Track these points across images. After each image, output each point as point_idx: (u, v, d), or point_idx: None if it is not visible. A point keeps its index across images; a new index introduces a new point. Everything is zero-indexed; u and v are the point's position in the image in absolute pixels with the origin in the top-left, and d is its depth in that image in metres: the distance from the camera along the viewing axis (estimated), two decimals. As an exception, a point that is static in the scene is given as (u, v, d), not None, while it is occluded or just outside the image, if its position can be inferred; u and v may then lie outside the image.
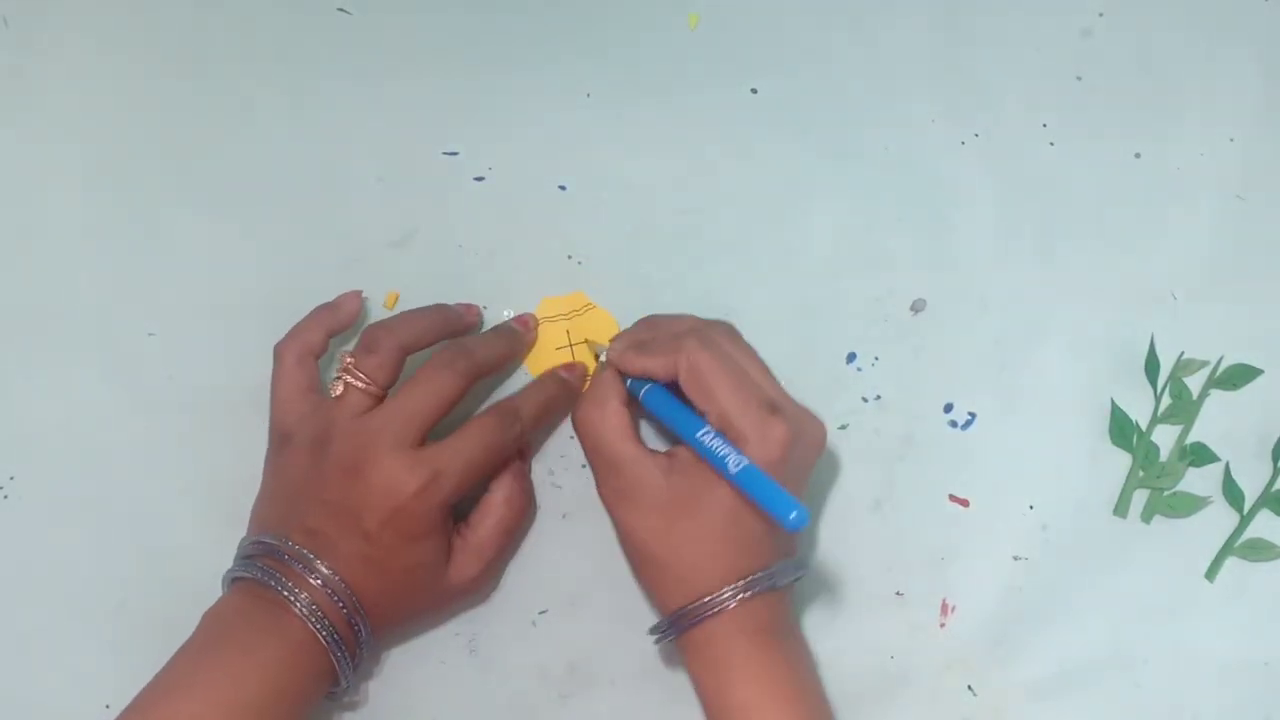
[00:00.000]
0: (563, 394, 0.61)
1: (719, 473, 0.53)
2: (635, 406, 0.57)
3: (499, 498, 0.58)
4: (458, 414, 0.58)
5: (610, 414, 0.56)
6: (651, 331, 0.59)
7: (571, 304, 0.64)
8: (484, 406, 0.62)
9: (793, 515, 0.50)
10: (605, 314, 0.64)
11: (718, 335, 0.57)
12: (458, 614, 0.61)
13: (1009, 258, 0.65)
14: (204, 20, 0.68)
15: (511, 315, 0.64)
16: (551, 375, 0.62)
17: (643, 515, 0.55)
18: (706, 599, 0.54)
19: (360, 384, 0.57)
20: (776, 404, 0.54)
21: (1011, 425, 0.63)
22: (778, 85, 0.67)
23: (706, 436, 0.53)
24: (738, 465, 0.52)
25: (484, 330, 0.63)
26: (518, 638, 0.61)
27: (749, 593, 0.53)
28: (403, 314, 0.60)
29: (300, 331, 0.59)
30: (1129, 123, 0.67)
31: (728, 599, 0.53)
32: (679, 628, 0.54)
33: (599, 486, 0.57)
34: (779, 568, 0.55)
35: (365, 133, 0.66)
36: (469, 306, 0.63)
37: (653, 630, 0.56)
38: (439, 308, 0.61)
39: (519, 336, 0.62)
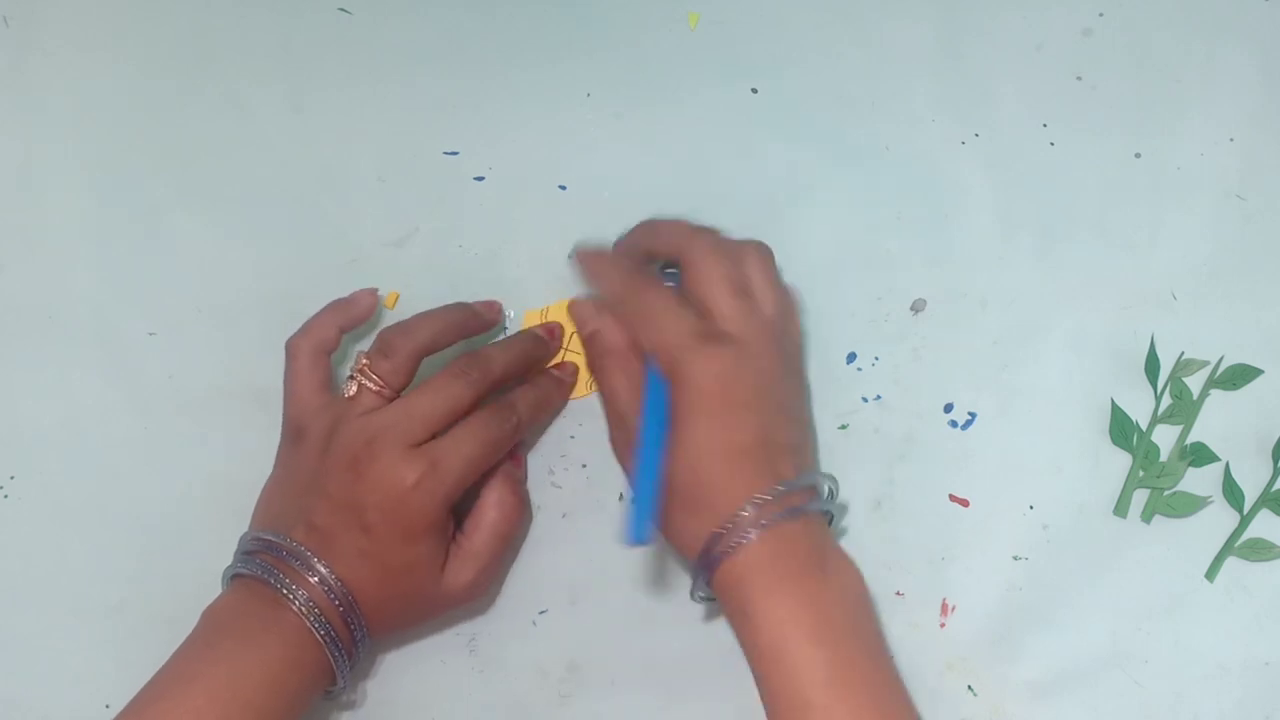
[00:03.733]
0: (556, 390, 0.62)
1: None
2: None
3: (491, 503, 0.58)
4: (459, 417, 0.58)
5: (635, 374, 0.56)
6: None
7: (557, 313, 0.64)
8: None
9: (631, 532, 0.51)
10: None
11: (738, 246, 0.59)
12: (457, 615, 0.61)
13: (1009, 258, 0.65)
14: (204, 20, 0.68)
15: (512, 315, 0.64)
16: (544, 373, 0.62)
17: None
18: (722, 529, 0.53)
19: (373, 386, 0.57)
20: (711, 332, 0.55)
21: (1012, 425, 0.63)
22: (778, 85, 0.67)
23: (648, 433, 0.54)
24: (642, 462, 0.53)
25: (506, 335, 0.63)
26: (518, 638, 0.61)
27: (765, 520, 0.52)
28: (420, 316, 0.59)
29: (314, 327, 0.60)
30: (1129, 123, 0.67)
31: (745, 525, 0.52)
32: (707, 570, 0.53)
33: (610, 434, 0.58)
34: (794, 483, 0.54)
35: (365, 133, 0.66)
36: (489, 304, 0.62)
37: (691, 593, 0.56)
38: (458, 307, 0.61)
39: (542, 344, 0.62)
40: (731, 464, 0.54)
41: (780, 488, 0.53)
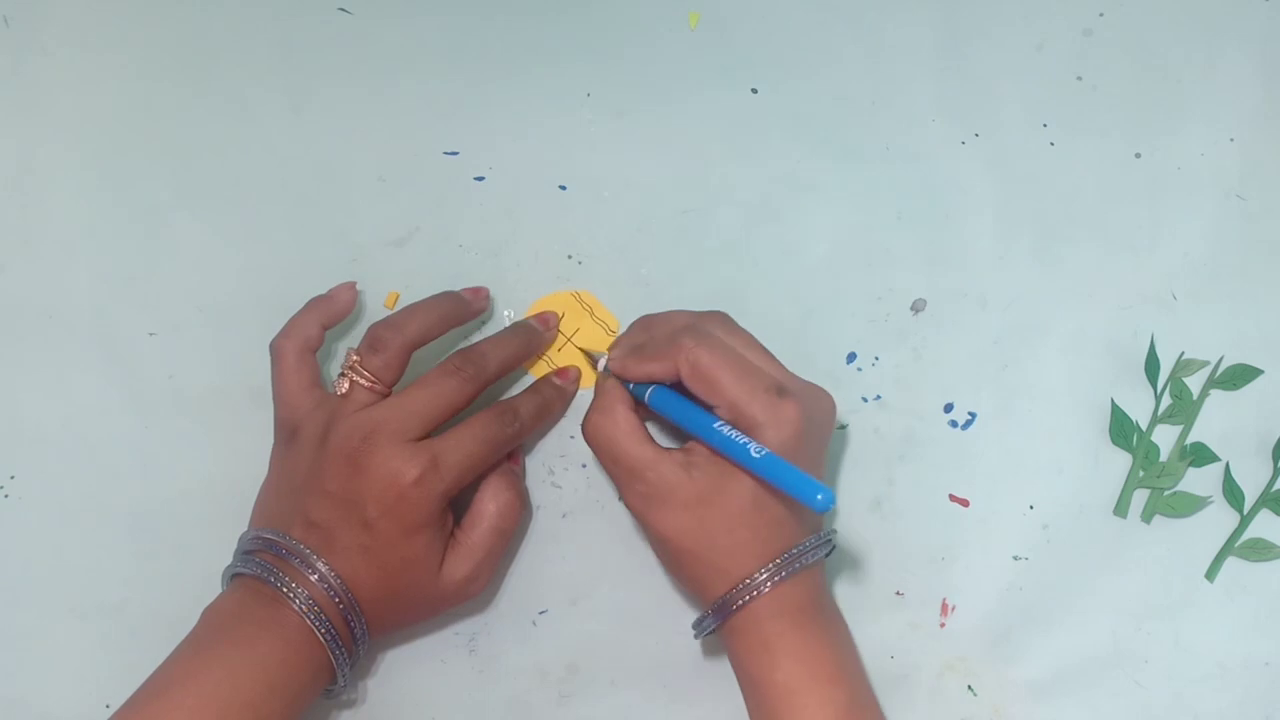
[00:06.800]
0: (558, 398, 0.62)
1: (738, 463, 0.53)
2: (642, 408, 0.57)
3: (489, 499, 0.58)
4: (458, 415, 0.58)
5: (620, 421, 0.56)
6: (647, 333, 0.59)
7: (561, 304, 0.64)
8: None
9: (819, 497, 0.50)
10: (594, 300, 0.64)
11: (713, 327, 0.57)
12: (457, 615, 0.61)
13: (1009, 258, 0.65)
14: (204, 20, 0.68)
15: (511, 315, 0.64)
16: (546, 381, 0.62)
17: (672, 514, 0.55)
18: (744, 583, 0.54)
19: (365, 382, 0.57)
20: (783, 385, 0.54)
21: (1011, 425, 0.63)
22: (778, 85, 0.67)
23: (723, 428, 0.53)
24: (759, 452, 0.52)
25: (500, 330, 0.63)
26: (518, 638, 0.61)
27: (783, 573, 0.54)
28: (408, 309, 0.60)
29: (296, 327, 0.60)
30: (1129, 123, 0.67)
31: (764, 580, 0.54)
32: (720, 616, 0.55)
33: (624, 494, 0.56)
34: (809, 544, 0.55)
35: (365, 133, 0.66)
36: (476, 290, 0.62)
37: (695, 625, 0.57)
38: (445, 297, 0.61)
39: (537, 335, 0.62)
40: (771, 518, 0.54)
41: (804, 545, 0.55)
